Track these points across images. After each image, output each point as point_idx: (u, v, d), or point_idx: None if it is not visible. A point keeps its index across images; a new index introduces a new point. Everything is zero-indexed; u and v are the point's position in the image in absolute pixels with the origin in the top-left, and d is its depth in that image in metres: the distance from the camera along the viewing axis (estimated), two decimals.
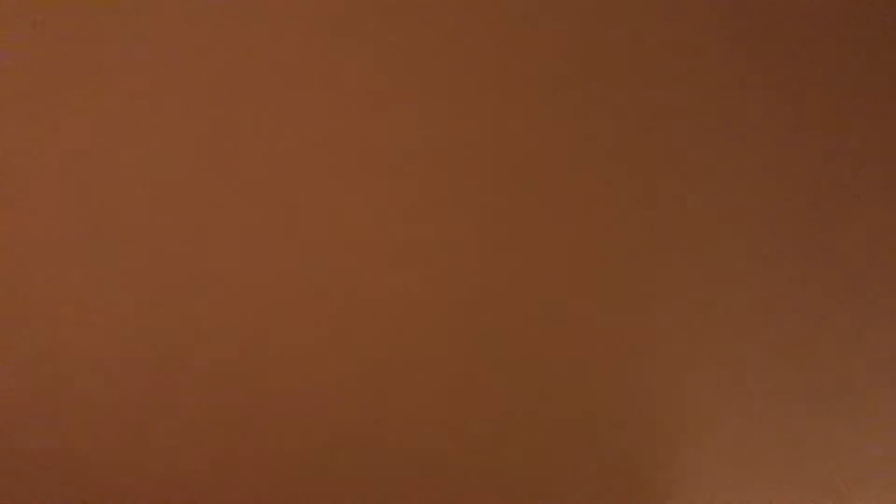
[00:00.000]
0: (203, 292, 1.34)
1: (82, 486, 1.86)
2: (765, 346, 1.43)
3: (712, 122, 1.07)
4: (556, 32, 0.97)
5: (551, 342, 1.46)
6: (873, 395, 1.55)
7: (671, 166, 1.14)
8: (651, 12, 0.95)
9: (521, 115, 1.06)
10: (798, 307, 1.35)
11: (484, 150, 1.11)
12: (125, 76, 1.02)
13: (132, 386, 1.56)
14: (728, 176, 1.15)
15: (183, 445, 1.75)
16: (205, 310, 1.38)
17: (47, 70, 1.01)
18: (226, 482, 1.88)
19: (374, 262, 1.29)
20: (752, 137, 1.10)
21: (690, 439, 1.71)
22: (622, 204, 1.19)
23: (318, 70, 1.01)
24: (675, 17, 0.95)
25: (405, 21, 0.96)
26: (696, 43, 0.98)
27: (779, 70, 1.00)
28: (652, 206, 1.19)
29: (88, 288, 1.33)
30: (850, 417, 1.61)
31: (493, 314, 1.39)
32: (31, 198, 1.17)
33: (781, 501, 1.90)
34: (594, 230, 1.23)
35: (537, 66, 1.00)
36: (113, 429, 1.69)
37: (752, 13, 0.95)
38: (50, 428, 1.68)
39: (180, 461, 1.80)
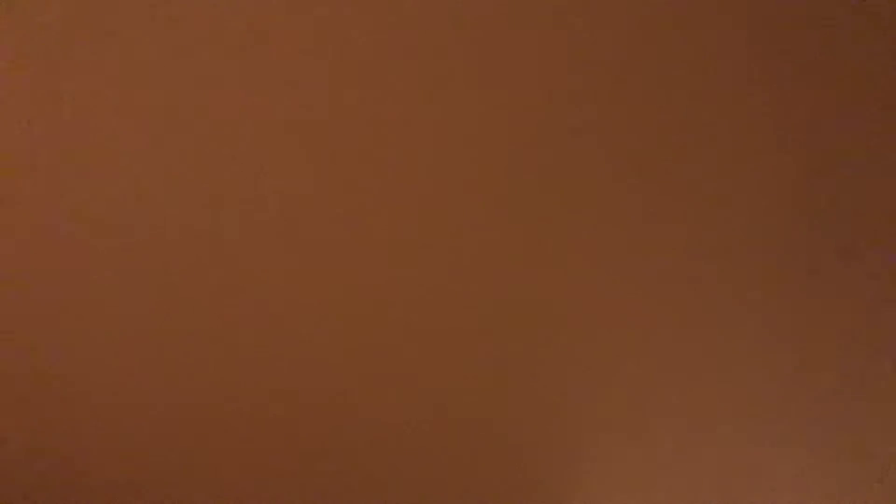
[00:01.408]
0: (204, 292, 1.34)
1: (83, 488, 1.86)
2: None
3: (714, 121, 1.07)
4: (560, 42, 0.97)
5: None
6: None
7: (667, 170, 1.14)
8: (654, 16, 0.95)
9: (517, 119, 1.06)
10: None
11: (481, 151, 1.11)
12: (127, 73, 1.02)
13: (135, 388, 1.57)
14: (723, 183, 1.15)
15: (184, 447, 1.75)
16: (206, 309, 1.38)
17: (50, 68, 1.01)
18: (228, 482, 1.88)
19: (371, 261, 1.29)
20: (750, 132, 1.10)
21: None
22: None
23: (315, 68, 1.01)
24: (679, 19, 0.95)
25: (403, 22, 0.96)
26: (698, 43, 0.98)
27: (783, 75, 1.01)
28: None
29: (91, 290, 1.33)
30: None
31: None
32: (33, 198, 1.18)
33: None
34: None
35: (541, 72, 1.00)
36: (114, 430, 1.69)
37: (758, 15, 0.95)
38: (52, 430, 1.68)
39: (181, 462, 1.80)
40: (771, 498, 1.83)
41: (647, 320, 1.37)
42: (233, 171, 1.14)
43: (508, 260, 1.28)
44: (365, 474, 1.87)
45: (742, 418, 1.58)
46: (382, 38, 0.97)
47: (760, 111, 1.06)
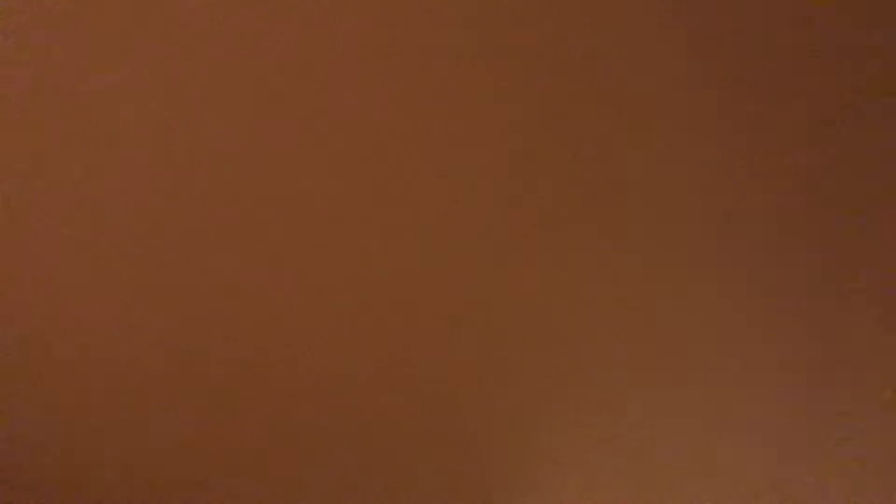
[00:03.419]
0: (203, 291, 1.35)
1: (81, 487, 1.86)
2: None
3: (709, 119, 1.07)
4: (561, 44, 0.97)
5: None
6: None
7: (656, 176, 1.14)
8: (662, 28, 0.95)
9: (516, 121, 1.06)
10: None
11: (481, 152, 1.11)
12: (129, 72, 1.02)
13: (133, 384, 1.57)
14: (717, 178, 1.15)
15: (182, 443, 1.75)
16: (205, 306, 1.38)
17: (51, 70, 1.02)
18: (226, 480, 1.89)
19: (369, 258, 1.29)
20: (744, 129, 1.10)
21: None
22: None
23: (310, 66, 1.01)
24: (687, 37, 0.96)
25: (400, 22, 0.96)
26: (705, 53, 0.98)
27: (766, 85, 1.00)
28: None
29: (91, 286, 1.34)
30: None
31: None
32: (34, 197, 1.18)
33: None
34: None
35: (540, 76, 1.00)
36: (114, 427, 1.69)
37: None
38: (50, 427, 1.69)
39: (180, 460, 1.81)
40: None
41: (645, 322, 1.37)
42: (233, 167, 1.14)
43: (507, 259, 1.28)
44: (362, 470, 1.87)
45: (744, 423, 1.57)
46: (382, 37, 0.98)
47: (762, 112, 1.05)
